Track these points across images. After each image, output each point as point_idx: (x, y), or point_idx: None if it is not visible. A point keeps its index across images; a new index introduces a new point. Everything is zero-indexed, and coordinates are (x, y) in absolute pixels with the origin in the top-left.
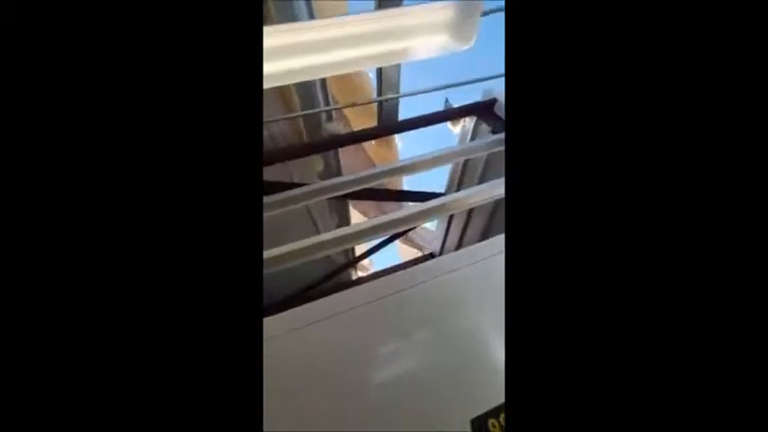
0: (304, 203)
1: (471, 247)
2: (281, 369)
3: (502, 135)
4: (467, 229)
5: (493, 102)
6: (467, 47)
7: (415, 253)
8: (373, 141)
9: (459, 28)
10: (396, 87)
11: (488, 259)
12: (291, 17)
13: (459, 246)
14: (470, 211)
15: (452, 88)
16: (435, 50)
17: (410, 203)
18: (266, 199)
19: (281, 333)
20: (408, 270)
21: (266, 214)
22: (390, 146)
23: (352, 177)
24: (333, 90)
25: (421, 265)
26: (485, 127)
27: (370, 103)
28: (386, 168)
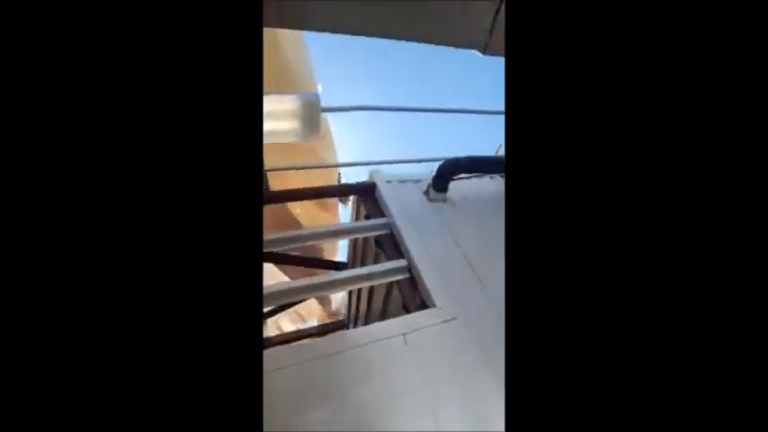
0: None
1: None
2: None
3: (378, 220)
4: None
5: (372, 186)
6: (314, 136)
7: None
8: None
9: (304, 117)
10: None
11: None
12: None
13: (357, 309)
14: None
15: None
16: (287, 136)
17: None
18: None
19: None
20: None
21: None
22: (329, 208)
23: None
24: None
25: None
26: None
27: None
28: (280, 236)
